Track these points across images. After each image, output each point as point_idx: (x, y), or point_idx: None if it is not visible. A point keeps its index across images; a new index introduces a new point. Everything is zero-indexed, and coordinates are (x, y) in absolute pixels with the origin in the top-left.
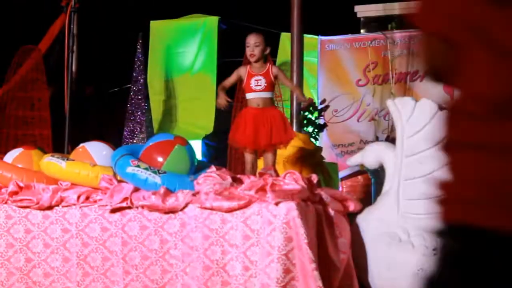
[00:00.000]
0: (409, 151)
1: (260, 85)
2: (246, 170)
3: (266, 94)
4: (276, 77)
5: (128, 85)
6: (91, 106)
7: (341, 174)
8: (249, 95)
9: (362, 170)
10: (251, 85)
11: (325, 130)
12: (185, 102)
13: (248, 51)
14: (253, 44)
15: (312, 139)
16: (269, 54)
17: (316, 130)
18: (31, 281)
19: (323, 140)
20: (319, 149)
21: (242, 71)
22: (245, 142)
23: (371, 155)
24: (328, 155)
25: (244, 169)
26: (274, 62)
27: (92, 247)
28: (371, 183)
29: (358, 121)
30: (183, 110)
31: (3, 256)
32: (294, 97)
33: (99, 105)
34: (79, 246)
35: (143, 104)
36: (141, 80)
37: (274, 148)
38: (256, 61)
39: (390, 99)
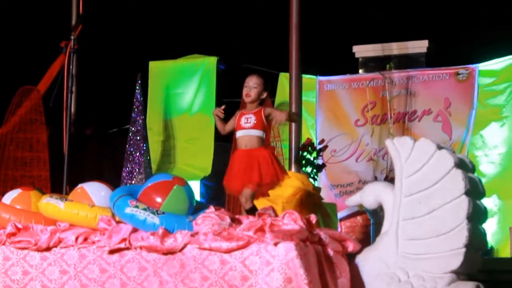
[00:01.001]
0: (408, 191)
1: (249, 123)
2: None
3: (255, 132)
4: (268, 117)
5: (127, 126)
6: (90, 146)
7: (340, 214)
8: (238, 133)
9: (361, 211)
10: (240, 123)
11: (323, 170)
12: (183, 143)
13: (244, 91)
14: (251, 85)
15: (311, 179)
16: (269, 100)
17: (314, 170)
18: None
19: (321, 180)
20: (318, 189)
21: (236, 114)
22: (234, 188)
23: (370, 195)
24: (326, 195)
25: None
26: (273, 103)
27: None
28: (370, 224)
29: (356, 161)
30: (182, 150)
31: None
32: (293, 137)
33: (98, 145)
34: None
35: (141, 144)
36: (140, 121)
37: (265, 188)
38: (251, 102)
39: (389, 139)
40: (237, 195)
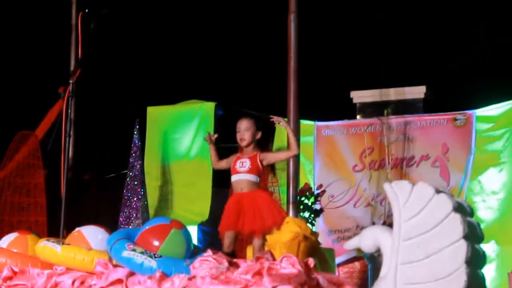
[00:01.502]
0: (407, 234)
1: (244, 167)
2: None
3: (250, 177)
4: (262, 162)
5: (125, 171)
6: (88, 191)
7: (338, 260)
8: (233, 178)
9: (358, 256)
10: (236, 167)
11: (321, 215)
12: (181, 188)
13: (239, 136)
14: (243, 128)
15: (309, 225)
16: (271, 143)
17: (312, 215)
18: None
19: (319, 226)
20: (316, 234)
21: (232, 158)
22: (226, 229)
23: (368, 239)
24: (324, 240)
25: (243, 255)
26: (271, 147)
27: None
28: (368, 269)
29: (354, 206)
30: (179, 195)
31: None
32: (291, 182)
33: (96, 190)
34: None
35: (139, 189)
36: (138, 166)
37: (265, 232)
38: (246, 146)
39: (387, 183)
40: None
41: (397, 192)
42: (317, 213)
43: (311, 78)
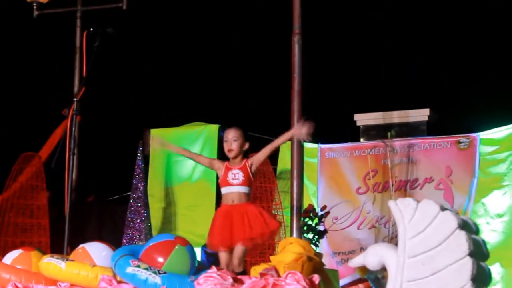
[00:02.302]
0: (412, 252)
1: (237, 179)
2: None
3: (243, 189)
4: (251, 168)
5: (128, 193)
6: (91, 213)
7: (342, 282)
8: (224, 190)
9: (362, 278)
10: (228, 179)
11: (325, 237)
12: (184, 210)
13: (226, 146)
14: (231, 138)
15: (313, 246)
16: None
17: (316, 236)
18: None
19: (323, 248)
20: (320, 255)
21: (217, 164)
22: (218, 244)
23: (373, 257)
24: (328, 262)
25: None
26: (274, 170)
27: None
28: None
29: (358, 228)
30: (183, 217)
31: None
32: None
33: (99, 212)
34: None
35: (142, 211)
36: (141, 188)
37: (252, 241)
38: (234, 157)
39: (392, 200)
40: (221, 250)
41: (402, 209)
42: (321, 234)
43: (315, 100)
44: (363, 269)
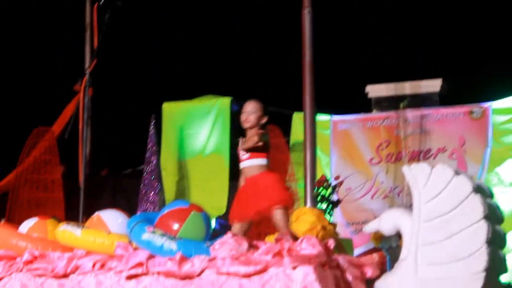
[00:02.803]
0: (427, 216)
1: (245, 154)
2: None
3: (252, 162)
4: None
5: (141, 167)
6: (105, 188)
7: (356, 251)
8: (240, 166)
9: (377, 248)
10: (240, 157)
11: (339, 208)
12: (198, 183)
13: (243, 117)
14: (249, 110)
15: (327, 216)
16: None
17: (330, 206)
18: None
19: (337, 218)
20: (334, 225)
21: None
22: (233, 217)
23: (388, 222)
24: (342, 233)
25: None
26: (287, 143)
27: None
28: (386, 261)
29: (372, 199)
30: (196, 190)
31: None
32: (308, 174)
33: (113, 186)
34: None
35: (156, 184)
36: (154, 161)
37: (276, 209)
38: (250, 128)
39: (406, 165)
40: (235, 222)
41: (416, 174)
42: (335, 204)
43: (327, 72)
44: (378, 238)
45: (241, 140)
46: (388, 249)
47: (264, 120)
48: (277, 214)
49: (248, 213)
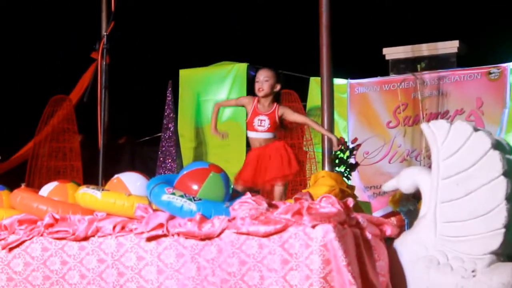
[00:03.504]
0: (446, 173)
1: (263, 126)
2: None
3: (268, 135)
4: (281, 117)
5: (159, 134)
6: (123, 155)
7: (374, 215)
8: (250, 134)
9: (395, 211)
10: (254, 124)
11: (356, 172)
12: (215, 149)
13: (257, 86)
14: (262, 79)
15: (345, 179)
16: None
17: (348, 169)
18: None
19: (355, 182)
20: (352, 187)
21: (246, 101)
22: (242, 182)
23: (407, 179)
24: (360, 197)
25: None
26: (304, 107)
27: (127, 276)
28: (404, 224)
29: (389, 162)
30: (214, 156)
31: None
32: (326, 137)
33: (130, 154)
34: (115, 276)
35: (173, 151)
36: (171, 128)
37: (274, 183)
38: (264, 96)
39: (424, 123)
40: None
41: (435, 131)
42: (353, 167)
43: (343, 35)
44: (396, 202)
45: (254, 105)
46: (406, 212)
47: (278, 87)
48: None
49: (263, 182)
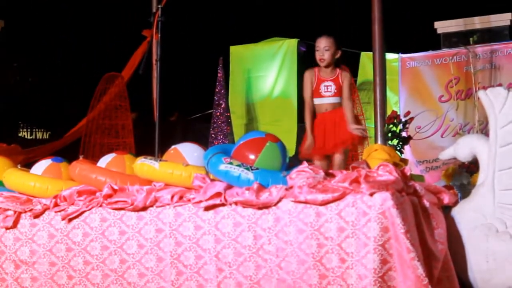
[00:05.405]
0: (503, 141)
1: (330, 91)
2: None
3: (335, 100)
4: (343, 82)
5: (210, 111)
6: (175, 131)
7: None
8: (317, 100)
9: (448, 185)
10: (320, 91)
11: (408, 146)
12: (266, 125)
13: (318, 55)
14: (322, 48)
15: (398, 152)
16: (355, 78)
17: (401, 143)
18: (126, 282)
19: (407, 157)
20: (405, 161)
21: (309, 76)
22: (313, 152)
23: (464, 148)
24: (412, 171)
25: None
26: (355, 82)
27: (185, 246)
28: (458, 199)
29: (442, 136)
30: None
31: (98, 259)
32: (378, 111)
33: (182, 131)
34: (172, 246)
35: (225, 127)
36: (223, 104)
37: (341, 148)
38: (326, 66)
39: (481, 90)
40: (316, 159)
41: (492, 99)
42: (406, 140)
43: (395, 9)
44: (449, 175)
45: (317, 75)
46: (460, 186)
47: (339, 54)
48: (338, 158)
49: (329, 148)
